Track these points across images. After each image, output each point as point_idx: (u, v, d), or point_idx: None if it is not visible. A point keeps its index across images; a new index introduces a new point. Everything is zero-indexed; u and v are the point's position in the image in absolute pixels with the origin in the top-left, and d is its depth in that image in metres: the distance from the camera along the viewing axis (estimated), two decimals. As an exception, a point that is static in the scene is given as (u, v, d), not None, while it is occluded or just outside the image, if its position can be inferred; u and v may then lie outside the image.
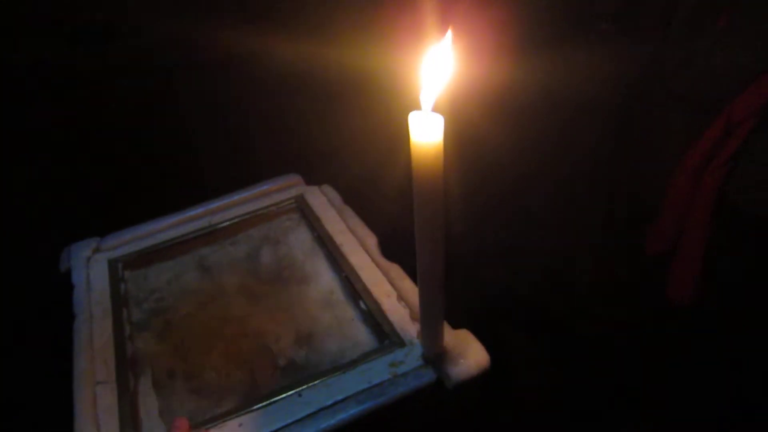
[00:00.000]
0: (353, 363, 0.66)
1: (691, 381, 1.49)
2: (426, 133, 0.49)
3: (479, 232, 2.11)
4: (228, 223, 0.97)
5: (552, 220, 2.13)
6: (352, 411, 0.60)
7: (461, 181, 1.63)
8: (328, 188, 1.03)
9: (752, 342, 1.27)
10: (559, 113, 1.92)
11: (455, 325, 0.67)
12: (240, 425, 0.61)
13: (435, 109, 0.50)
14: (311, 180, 1.07)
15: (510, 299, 2.12)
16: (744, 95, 1.11)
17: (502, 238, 2.16)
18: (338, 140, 1.67)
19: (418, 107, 0.50)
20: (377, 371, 0.64)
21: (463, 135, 1.62)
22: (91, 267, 0.90)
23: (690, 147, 1.21)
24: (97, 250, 0.94)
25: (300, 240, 0.93)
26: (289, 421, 0.60)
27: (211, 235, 0.96)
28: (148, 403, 0.68)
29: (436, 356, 0.63)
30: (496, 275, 2.20)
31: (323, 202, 0.98)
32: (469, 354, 0.63)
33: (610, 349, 1.88)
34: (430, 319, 0.61)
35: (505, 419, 1.72)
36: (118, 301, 0.83)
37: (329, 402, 0.61)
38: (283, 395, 0.63)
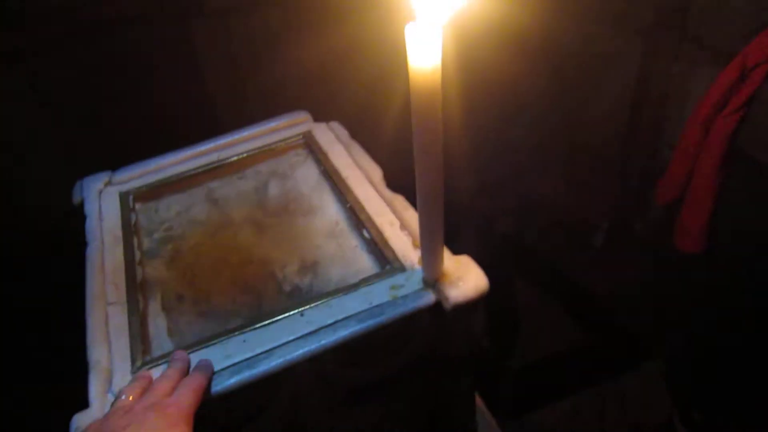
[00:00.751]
0: (355, 286, 0.67)
1: (703, 329, 1.49)
2: (423, 50, 0.48)
3: (492, 183, 2.11)
4: (237, 157, 0.98)
5: (569, 174, 2.11)
6: (352, 329, 0.61)
7: (468, 119, 1.61)
8: (335, 124, 1.03)
9: (759, 289, 1.26)
10: (581, 62, 1.88)
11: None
12: (244, 341, 0.63)
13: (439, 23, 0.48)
14: (318, 117, 1.07)
15: (523, 250, 2.12)
16: (760, 37, 1.07)
17: (518, 191, 2.15)
18: (341, 68, 1.66)
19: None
20: (378, 293, 0.65)
21: (471, 61, 1.59)
22: (102, 199, 0.92)
23: (702, 97, 1.18)
24: (108, 183, 0.96)
25: (307, 174, 0.94)
26: (291, 337, 0.62)
27: (220, 170, 0.97)
28: (158, 324, 0.71)
29: (436, 280, 0.64)
30: (509, 227, 2.20)
31: (331, 138, 0.99)
32: (469, 278, 0.64)
33: (622, 298, 1.89)
34: (430, 242, 0.61)
35: (512, 364, 1.75)
36: (129, 229, 0.84)
37: (330, 321, 0.63)
38: (286, 314, 0.65)
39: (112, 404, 0.54)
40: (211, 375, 0.58)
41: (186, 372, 0.58)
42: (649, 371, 1.73)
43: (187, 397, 0.53)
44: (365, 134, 1.01)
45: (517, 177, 2.16)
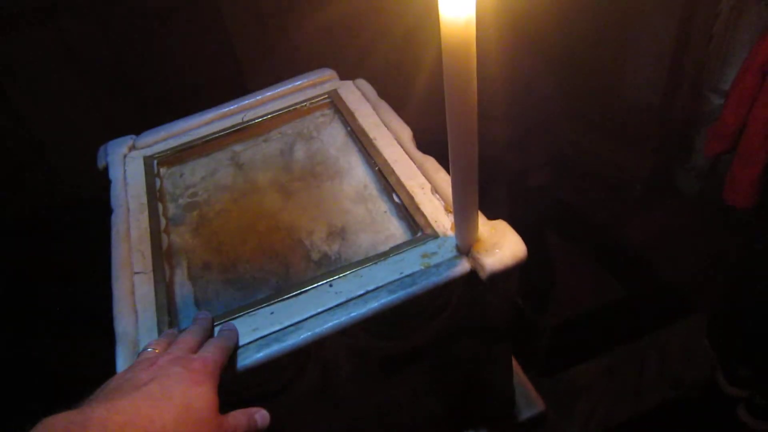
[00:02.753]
0: (385, 254, 0.64)
1: (749, 283, 1.43)
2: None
3: (526, 137, 2.03)
4: (261, 119, 0.95)
5: (604, 123, 2.02)
6: (383, 300, 0.59)
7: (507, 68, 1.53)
8: (362, 82, 0.98)
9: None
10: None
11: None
12: (272, 313, 0.61)
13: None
14: (345, 75, 1.03)
15: (558, 204, 2.06)
16: None
17: (550, 143, 2.07)
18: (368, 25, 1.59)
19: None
20: (409, 262, 0.62)
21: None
22: (127, 164, 0.90)
23: (760, 38, 1.08)
24: (133, 148, 0.94)
25: (333, 135, 0.90)
26: (320, 309, 0.59)
27: (244, 132, 0.94)
28: (184, 293, 0.69)
29: (471, 247, 0.61)
30: (543, 181, 2.13)
31: (357, 96, 0.94)
32: (505, 245, 0.60)
33: (661, 251, 1.82)
34: (464, 207, 0.57)
35: (546, 320, 1.72)
36: (154, 196, 0.83)
37: (360, 292, 0.60)
38: (315, 285, 0.63)
39: (138, 355, 0.53)
40: (236, 337, 0.57)
41: (210, 332, 0.57)
42: (690, 325, 1.68)
43: (213, 353, 0.51)
44: (394, 92, 0.96)
45: (550, 128, 2.08)
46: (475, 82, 0.49)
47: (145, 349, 0.53)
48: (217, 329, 0.59)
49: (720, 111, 1.26)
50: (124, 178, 0.87)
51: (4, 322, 1.62)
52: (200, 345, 0.53)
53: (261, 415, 0.50)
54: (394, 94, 0.96)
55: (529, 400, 0.85)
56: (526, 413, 0.84)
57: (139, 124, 1.00)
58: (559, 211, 2.03)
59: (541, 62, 1.95)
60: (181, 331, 0.56)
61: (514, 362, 0.90)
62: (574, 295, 1.82)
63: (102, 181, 0.88)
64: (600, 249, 1.92)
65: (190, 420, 0.43)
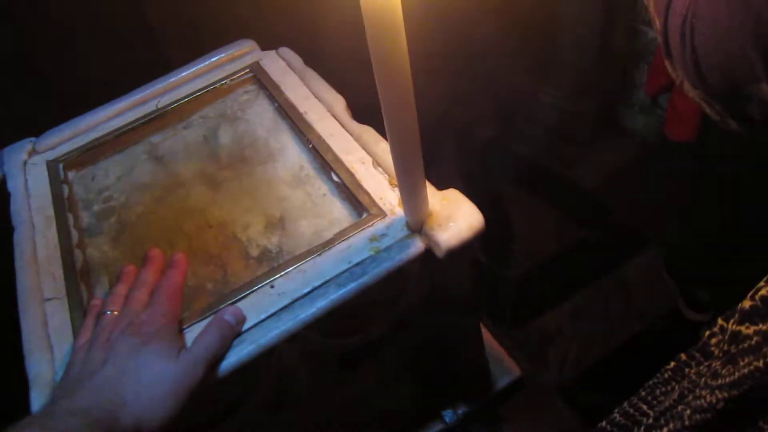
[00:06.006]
0: (329, 243, 0.57)
1: (699, 214, 1.43)
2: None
3: (470, 88, 1.97)
4: (177, 104, 0.85)
5: (546, 66, 1.98)
6: (332, 296, 0.52)
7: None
8: (286, 51, 0.89)
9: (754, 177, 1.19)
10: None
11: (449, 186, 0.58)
12: (209, 327, 0.53)
13: None
14: (266, 44, 0.93)
15: (507, 154, 2.02)
16: None
17: (494, 92, 2.02)
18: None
19: None
20: (357, 249, 0.56)
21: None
22: (28, 171, 0.79)
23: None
24: (33, 152, 0.83)
25: (260, 114, 0.81)
26: (263, 316, 0.52)
27: (160, 120, 0.84)
28: (108, 315, 0.61)
29: (422, 223, 0.54)
30: (490, 132, 2.08)
31: (282, 66, 0.85)
32: (460, 216, 0.54)
33: (612, 190, 1.82)
34: (409, 180, 0.51)
35: (510, 273, 1.70)
36: (62, 206, 0.73)
37: (306, 290, 0.53)
38: (254, 288, 0.55)
39: (97, 319, 0.54)
40: (185, 269, 0.59)
41: (162, 267, 0.59)
42: (649, 259, 1.69)
43: (161, 305, 0.52)
44: (321, 58, 0.87)
45: (493, 77, 2.02)
46: (403, 34, 0.42)
47: (103, 312, 0.54)
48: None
49: (656, 45, 1.23)
50: (26, 188, 0.76)
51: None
52: (150, 293, 0.55)
53: (231, 314, 0.52)
54: (321, 60, 0.87)
55: (504, 368, 0.81)
56: (502, 381, 0.80)
57: (39, 124, 0.88)
58: (510, 161, 2.00)
59: (477, 6, 1.87)
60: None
61: (484, 330, 0.85)
62: (535, 243, 1.81)
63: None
64: (554, 194, 1.90)
65: (151, 387, 0.46)
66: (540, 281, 1.68)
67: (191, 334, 0.53)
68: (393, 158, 0.50)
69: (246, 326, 0.52)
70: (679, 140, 1.30)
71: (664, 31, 0.38)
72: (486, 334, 0.86)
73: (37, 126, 0.88)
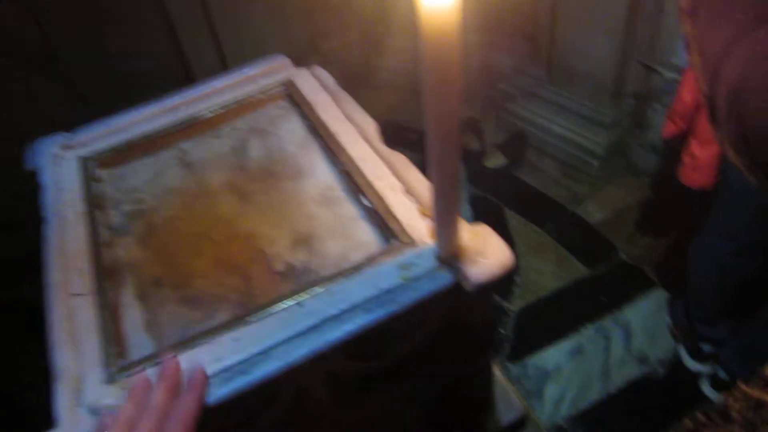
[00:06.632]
0: (358, 267, 0.58)
1: (708, 260, 1.43)
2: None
3: (482, 116, 2.00)
4: (210, 113, 0.87)
5: (559, 99, 2.00)
6: (360, 321, 0.53)
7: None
8: (319, 70, 0.91)
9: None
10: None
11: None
12: (236, 340, 0.54)
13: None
14: (300, 62, 0.95)
15: (517, 185, 2.04)
16: None
17: (505, 121, 2.05)
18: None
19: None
20: (386, 275, 0.57)
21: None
22: (60, 166, 0.80)
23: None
24: (66, 147, 0.84)
25: (291, 130, 0.83)
26: (291, 334, 0.53)
27: (192, 128, 0.86)
28: (133, 317, 0.62)
29: (453, 256, 0.56)
30: (500, 161, 2.10)
31: (315, 85, 0.87)
32: (490, 252, 0.55)
33: (619, 228, 1.83)
34: (446, 214, 0.52)
35: (511, 306, 1.70)
36: (93, 203, 0.74)
37: (334, 311, 0.54)
38: (283, 305, 0.56)
39: None
40: (206, 383, 0.50)
41: (179, 380, 0.50)
42: (652, 302, 1.69)
43: (187, 412, 0.47)
44: (353, 79, 0.89)
45: (505, 106, 2.04)
46: (459, 75, 0.44)
47: None
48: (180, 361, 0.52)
49: (674, 86, 1.25)
50: (58, 182, 0.77)
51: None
52: (164, 416, 0.47)
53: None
54: (353, 82, 0.89)
55: (509, 403, 0.82)
56: (507, 417, 0.80)
57: (70, 119, 0.90)
58: (518, 191, 2.02)
59: (498, 36, 1.90)
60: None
61: (499, 372, 0.86)
62: (537, 277, 1.81)
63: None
64: (560, 228, 1.91)
65: None
66: (541, 316, 1.68)
67: (209, 346, 0.53)
68: (433, 193, 0.51)
69: (273, 342, 0.53)
70: (696, 187, 1.31)
71: (711, 96, 0.40)
72: (494, 368, 0.87)
73: (66, 124, 0.90)
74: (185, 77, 1.38)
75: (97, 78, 1.42)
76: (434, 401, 0.73)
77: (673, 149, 1.80)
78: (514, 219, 1.93)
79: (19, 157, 0.85)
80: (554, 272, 1.81)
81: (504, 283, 1.76)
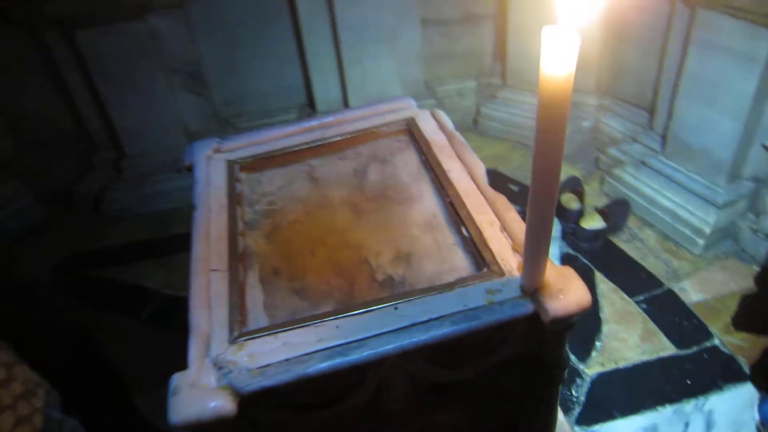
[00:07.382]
0: (450, 285, 0.67)
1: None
2: (559, 56, 0.46)
3: (586, 179, 2.02)
4: (339, 137, 0.99)
5: (672, 171, 1.98)
6: (445, 330, 0.61)
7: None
8: (440, 113, 1.01)
9: None
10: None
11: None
12: (337, 327, 0.64)
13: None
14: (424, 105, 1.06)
15: (613, 250, 2.03)
16: None
17: (609, 186, 2.05)
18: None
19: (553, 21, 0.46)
20: (474, 296, 0.64)
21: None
22: (211, 165, 0.96)
23: None
24: (217, 151, 1.00)
25: (407, 161, 0.93)
26: (384, 330, 0.62)
27: (322, 148, 0.99)
28: (254, 295, 0.73)
29: (536, 290, 0.62)
30: (599, 225, 2.10)
31: (434, 126, 0.97)
32: (570, 291, 0.61)
33: (717, 313, 1.77)
34: (536, 250, 0.59)
35: (588, 369, 1.69)
36: (234, 199, 0.88)
37: (424, 318, 0.63)
38: (380, 306, 0.65)
39: None
40: None
41: None
42: (740, 396, 1.61)
43: None
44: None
45: (610, 172, 2.05)
46: (564, 134, 0.51)
47: None
48: (285, 336, 0.62)
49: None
50: (208, 178, 0.92)
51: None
52: None
53: None
54: (461, 128, 0.98)
55: (570, 448, 0.85)
56: (565, 460, 0.83)
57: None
58: (612, 257, 2.00)
59: (615, 101, 1.92)
60: (251, 341, 0.58)
61: (561, 413, 0.90)
62: (619, 346, 1.78)
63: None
64: (651, 302, 1.87)
65: None
66: (617, 386, 1.65)
67: (313, 329, 0.63)
68: (527, 232, 0.59)
69: (368, 334, 0.62)
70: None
71: None
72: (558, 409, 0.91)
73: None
74: (308, 104, 1.53)
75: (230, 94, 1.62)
76: (496, 424, 0.79)
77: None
78: (603, 284, 1.91)
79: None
80: (638, 345, 1.77)
81: (582, 344, 1.75)
